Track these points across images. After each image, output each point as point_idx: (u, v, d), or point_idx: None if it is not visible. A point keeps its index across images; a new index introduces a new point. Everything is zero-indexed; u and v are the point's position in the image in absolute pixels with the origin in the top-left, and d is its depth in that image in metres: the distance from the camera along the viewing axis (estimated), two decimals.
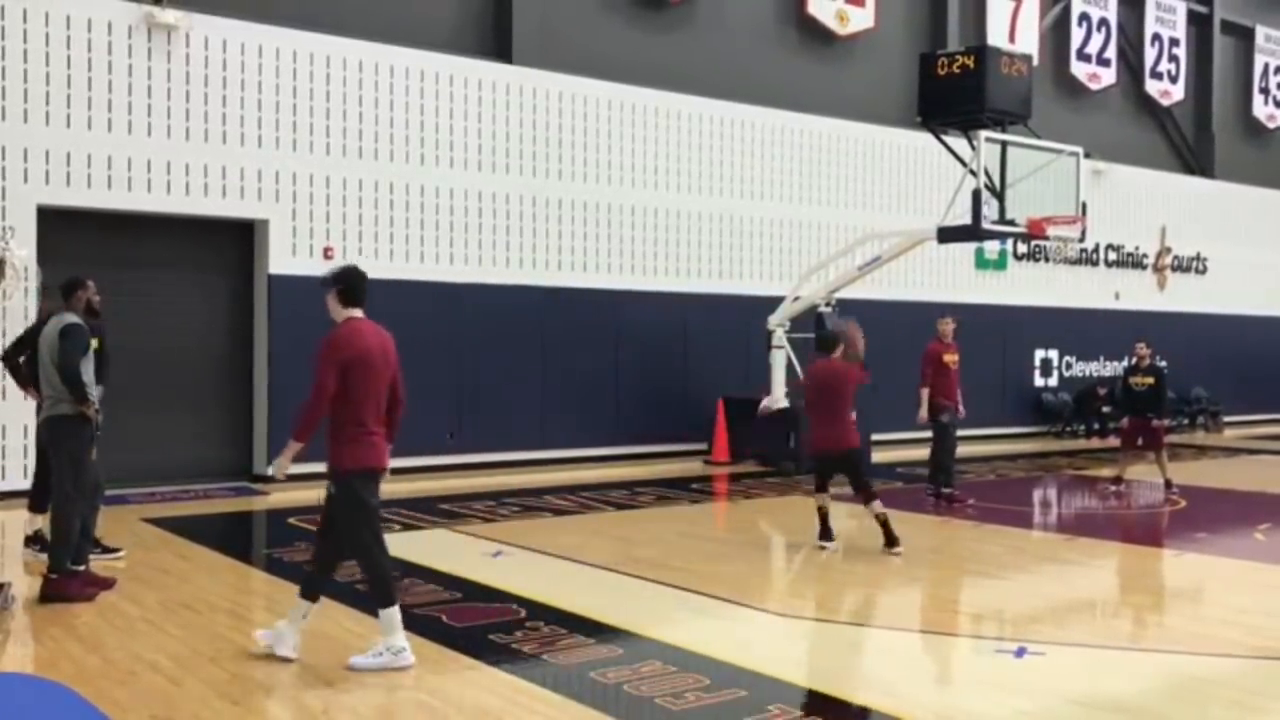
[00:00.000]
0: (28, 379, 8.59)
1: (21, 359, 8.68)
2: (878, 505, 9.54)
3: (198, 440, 12.95)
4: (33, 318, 11.52)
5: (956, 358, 12.12)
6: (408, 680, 5.77)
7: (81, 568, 7.55)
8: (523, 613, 7.10)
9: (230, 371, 13.18)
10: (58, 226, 11.92)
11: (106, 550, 8.64)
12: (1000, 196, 12.99)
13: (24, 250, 11.57)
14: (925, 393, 11.90)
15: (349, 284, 6.14)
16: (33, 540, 8.86)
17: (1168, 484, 13.16)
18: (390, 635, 5.95)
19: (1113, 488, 13.33)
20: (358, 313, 6.15)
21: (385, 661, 5.89)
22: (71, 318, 7.61)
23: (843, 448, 9.70)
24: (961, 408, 12.17)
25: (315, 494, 11.91)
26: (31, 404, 11.31)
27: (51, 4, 11.84)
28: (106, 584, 7.59)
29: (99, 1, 12.11)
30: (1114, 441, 17.85)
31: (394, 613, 5.96)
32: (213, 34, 12.69)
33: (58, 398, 7.47)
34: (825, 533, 9.71)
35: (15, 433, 11.53)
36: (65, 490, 7.44)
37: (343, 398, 5.97)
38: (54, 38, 11.84)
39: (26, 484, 11.45)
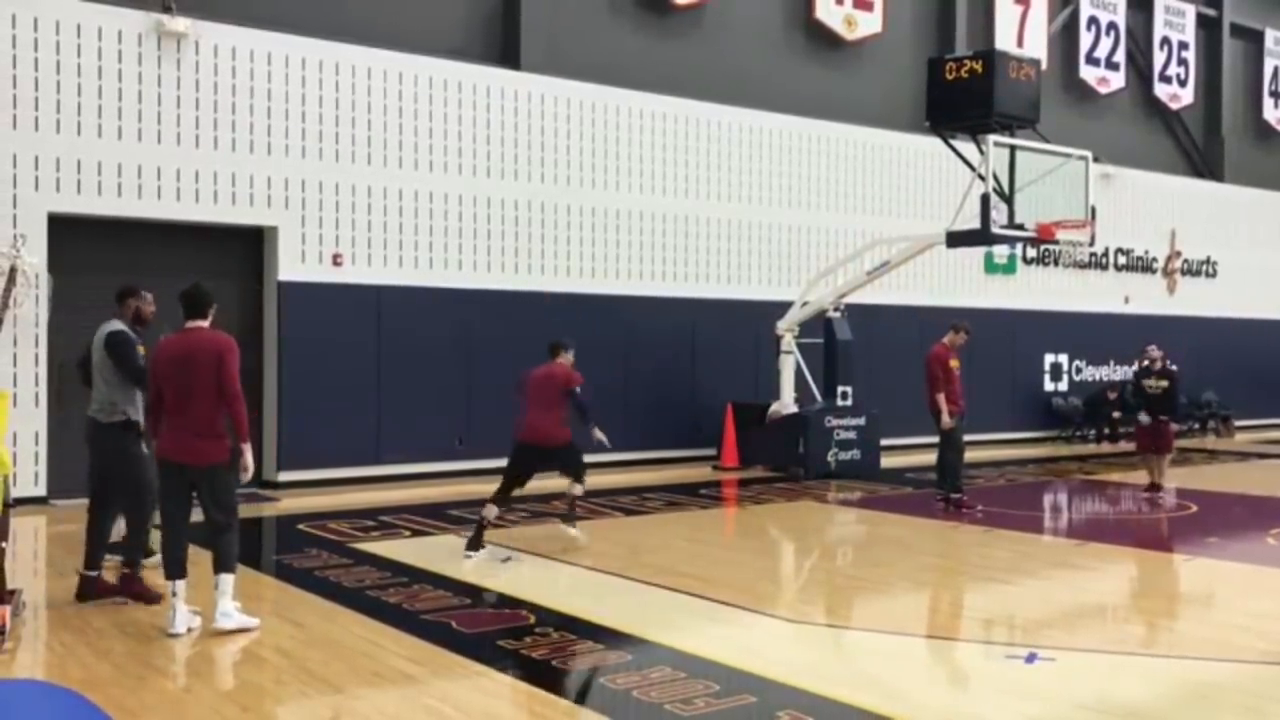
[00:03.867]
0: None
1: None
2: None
3: None
4: (44, 325, 11.60)
5: (958, 362, 12.05)
6: (417, 686, 5.78)
7: (95, 574, 7.56)
8: (532, 618, 7.10)
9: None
10: (68, 234, 11.97)
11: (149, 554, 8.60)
12: (1009, 201, 12.98)
13: (35, 258, 11.62)
14: (941, 398, 11.75)
15: (181, 302, 7.01)
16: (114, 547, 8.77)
17: (1155, 486, 12.95)
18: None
19: (1146, 494, 12.97)
20: (193, 324, 6.95)
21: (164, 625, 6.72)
22: (115, 325, 7.69)
23: None
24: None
25: (325, 500, 11.97)
26: (41, 412, 11.42)
27: (62, 12, 11.90)
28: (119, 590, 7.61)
29: (109, 10, 12.16)
30: (1125, 446, 17.81)
31: (167, 585, 6.77)
32: (222, 42, 12.74)
33: (102, 404, 7.57)
34: None
35: (27, 440, 11.55)
36: (128, 495, 7.58)
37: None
38: (64, 46, 11.90)
39: (39, 491, 11.57)
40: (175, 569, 6.73)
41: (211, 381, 6.72)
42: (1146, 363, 13.32)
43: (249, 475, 6.94)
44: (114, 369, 7.54)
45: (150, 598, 7.40)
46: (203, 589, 7.09)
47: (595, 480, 14.00)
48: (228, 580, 6.76)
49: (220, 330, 7.03)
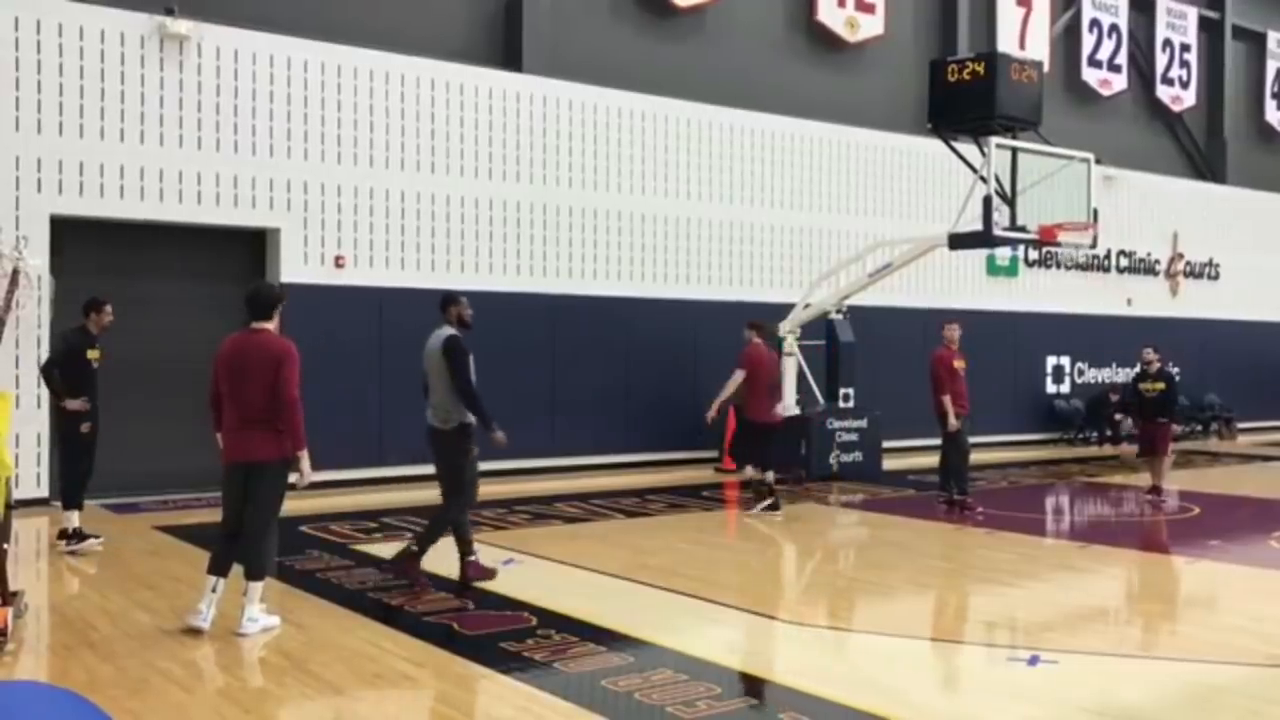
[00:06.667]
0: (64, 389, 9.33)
1: (56, 370, 9.40)
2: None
3: (210, 448, 12.88)
4: (46, 327, 11.60)
5: (964, 363, 12.05)
6: (419, 688, 5.78)
7: (473, 557, 8.14)
8: (534, 620, 7.10)
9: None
10: (71, 236, 11.98)
11: (83, 537, 9.35)
12: (1011, 203, 12.97)
13: (37, 260, 11.62)
14: (946, 400, 11.76)
15: (246, 303, 7.04)
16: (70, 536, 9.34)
17: (1156, 489, 12.85)
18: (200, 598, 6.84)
19: (1149, 497, 12.87)
20: (256, 325, 6.96)
21: (189, 618, 6.78)
22: (449, 331, 8.18)
23: None
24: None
25: (327, 502, 11.95)
26: (43, 414, 11.41)
27: (64, 15, 11.91)
28: (491, 573, 8.18)
29: (111, 12, 12.17)
30: (1126, 449, 17.78)
31: (206, 579, 6.82)
32: (224, 44, 12.75)
33: (439, 410, 8.02)
34: None
35: (29, 442, 11.56)
36: (452, 490, 8.12)
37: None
38: (67, 48, 11.91)
39: (41, 493, 11.57)
40: (220, 568, 6.84)
41: (267, 385, 6.72)
42: (1144, 365, 13.27)
43: (306, 481, 6.96)
44: (449, 373, 7.95)
45: (485, 574, 8.03)
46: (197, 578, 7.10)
47: (596, 482, 14.05)
48: (256, 588, 6.79)
49: (281, 335, 7.11)
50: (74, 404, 9.23)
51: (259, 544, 6.87)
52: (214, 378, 6.95)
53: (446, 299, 8.48)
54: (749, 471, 12.12)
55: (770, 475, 11.76)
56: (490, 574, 8.18)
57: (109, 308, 9.55)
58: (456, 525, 8.21)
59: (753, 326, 12.34)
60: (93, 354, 9.46)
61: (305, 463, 6.88)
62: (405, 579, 7.95)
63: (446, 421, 8.03)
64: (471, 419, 8.02)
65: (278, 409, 6.76)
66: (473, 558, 8.22)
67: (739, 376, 11.88)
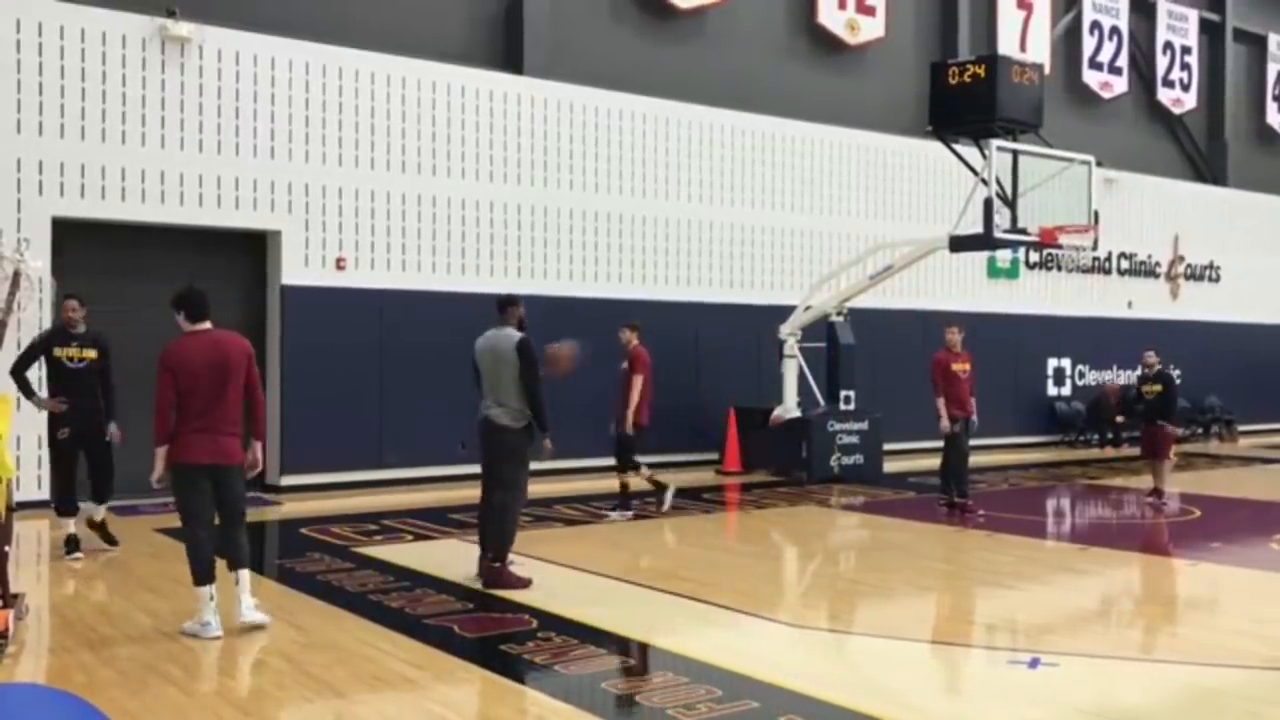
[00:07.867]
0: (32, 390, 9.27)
1: (27, 371, 9.25)
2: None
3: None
4: (46, 328, 11.58)
5: (967, 366, 12.06)
6: (419, 690, 5.78)
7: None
8: (534, 623, 7.09)
9: None
10: (72, 238, 11.99)
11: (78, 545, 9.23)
12: (1012, 205, 12.98)
13: (39, 261, 11.58)
14: (941, 403, 11.83)
15: (188, 305, 6.94)
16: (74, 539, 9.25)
17: (1157, 492, 12.77)
18: (200, 611, 6.71)
19: (1149, 499, 12.79)
20: (200, 326, 6.92)
21: (194, 629, 6.68)
22: (518, 332, 8.24)
23: None
24: (975, 416, 12.10)
25: (327, 504, 11.97)
26: (43, 417, 11.39)
27: (65, 17, 11.92)
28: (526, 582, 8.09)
29: (113, 14, 12.18)
30: (1127, 450, 17.80)
31: (202, 591, 6.70)
32: (225, 46, 12.75)
33: (509, 409, 8.10)
34: None
35: (29, 444, 11.56)
36: (513, 492, 8.21)
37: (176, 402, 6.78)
38: (68, 50, 11.92)
39: (41, 495, 11.56)
40: (212, 573, 6.78)
41: (242, 382, 6.86)
42: (1144, 368, 13.23)
43: (257, 471, 7.17)
44: (522, 373, 8.02)
45: (519, 583, 7.97)
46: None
47: (597, 484, 14.03)
48: (246, 575, 6.88)
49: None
50: (48, 403, 9.04)
51: (243, 533, 6.98)
52: (171, 382, 6.69)
53: (509, 300, 8.53)
54: (644, 473, 11.98)
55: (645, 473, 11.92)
56: (501, 580, 8.12)
57: (70, 302, 9.27)
58: (515, 521, 8.33)
59: (634, 328, 12.27)
60: (65, 352, 9.09)
61: (260, 452, 7.14)
62: (507, 588, 7.93)
63: (518, 419, 8.15)
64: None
65: (250, 406, 6.95)
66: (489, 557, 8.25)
67: (639, 382, 11.90)
